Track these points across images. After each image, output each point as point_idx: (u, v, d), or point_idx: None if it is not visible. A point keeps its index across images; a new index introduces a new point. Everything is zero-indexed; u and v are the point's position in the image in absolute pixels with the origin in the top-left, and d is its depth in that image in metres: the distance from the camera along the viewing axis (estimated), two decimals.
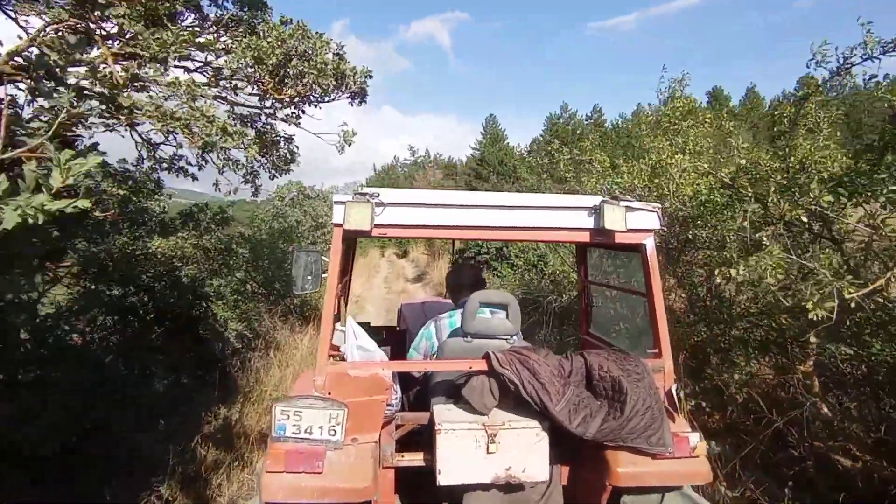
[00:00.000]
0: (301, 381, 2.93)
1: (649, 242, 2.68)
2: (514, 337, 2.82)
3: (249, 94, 5.10)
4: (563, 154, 7.58)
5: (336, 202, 2.46)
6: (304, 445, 2.30)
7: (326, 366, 2.51)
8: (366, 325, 4.25)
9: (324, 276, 2.78)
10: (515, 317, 2.74)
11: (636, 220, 2.61)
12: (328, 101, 5.27)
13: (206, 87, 4.80)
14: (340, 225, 2.43)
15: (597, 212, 2.57)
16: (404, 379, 3.04)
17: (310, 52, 4.81)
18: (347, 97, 5.44)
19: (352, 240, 3.28)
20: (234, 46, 4.53)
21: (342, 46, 5.08)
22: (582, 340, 3.78)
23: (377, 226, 2.44)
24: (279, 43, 4.62)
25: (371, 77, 5.42)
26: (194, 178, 5.85)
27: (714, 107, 59.15)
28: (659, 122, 6.67)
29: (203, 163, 5.61)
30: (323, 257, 2.83)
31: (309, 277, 2.87)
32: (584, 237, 2.68)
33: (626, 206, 2.57)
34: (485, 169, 58.31)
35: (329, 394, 2.43)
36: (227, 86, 4.96)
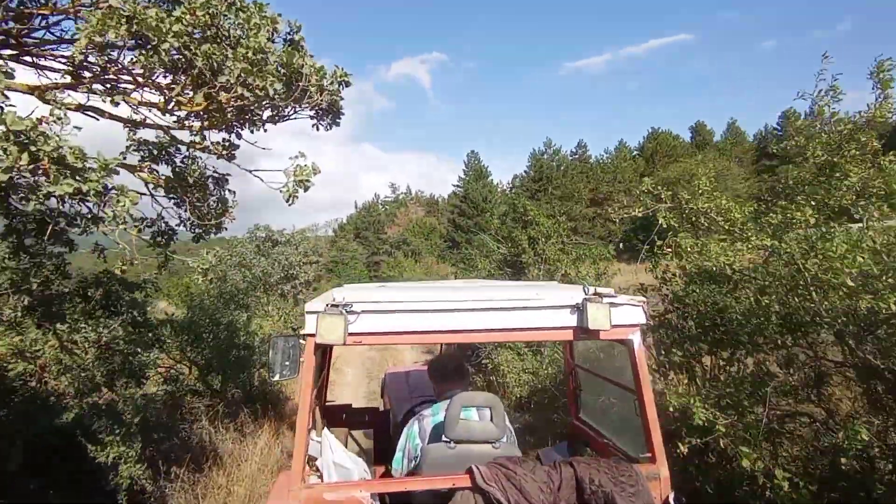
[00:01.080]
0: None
1: (636, 338, 2.55)
2: (502, 440, 2.69)
3: (141, 104, 3.06)
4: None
5: (308, 312, 2.33)
6: None
7: (301, 490, 2.30)
8: (347, 407, 4.35)
9: (302, 360, 2.68)
10: (500, 419, 2.63)
11: (621, 316, 2.49)
12: (275, 121, 3.26)
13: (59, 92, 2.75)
14: (312, 335, 2.30)
15: (580, 310, 2.44)
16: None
17: (241, 33, 2.81)
18: (310, 114, 3.43)
19: (326, 346, 2.97)
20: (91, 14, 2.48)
21: (299, 29, 3.11)
22: (570, 426, 3.68)
23: (351, 334, 2.31)
24: (184, 14, 2.61)
25: (348, 85, 3.42)
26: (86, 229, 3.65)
27: (696, 141, 59.31)
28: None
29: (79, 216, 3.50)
30: (301, 341, 2.65)
31: (287, 363, 2.72)
32: (568, 335, 2.53)
33: (610, 303, 2.44)
34: (468, 206, 57.08)
35: None
36: (100, 90, 2.90)
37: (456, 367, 3.13)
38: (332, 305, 2.28)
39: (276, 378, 2.76)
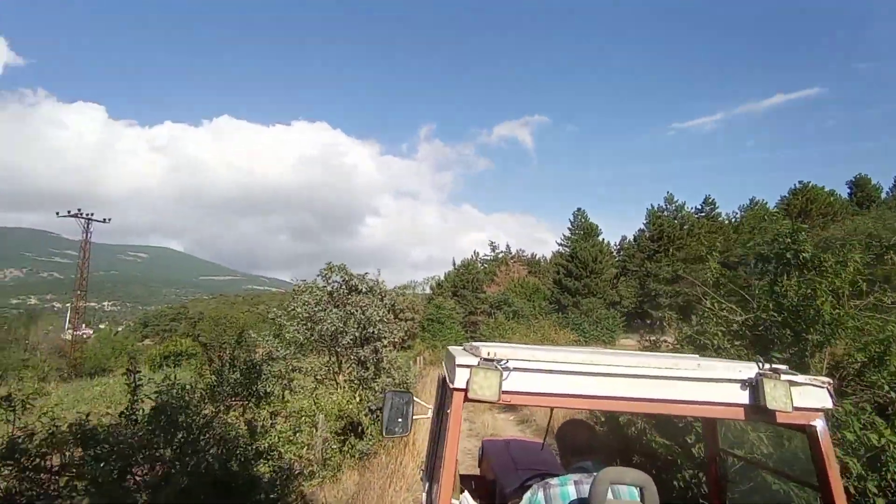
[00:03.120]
0: None
1: (819, 424, 2.20)
2: None
3: None
4: None
5: (459, 366, 2.23)
6: None
7: None
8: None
9: (415, 418, 2.86)
10: (653, 502, 2.25)
11: (803, 398, 2.16)
12: None
13: None
14: (463, 391, 2.20)
15: (753, 386, 2.15)
16: None
17: None
18: None
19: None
20: None
21: None
22: None
23: (504, 392, 2.18)
24: None
25: None
26: None
27: (858, 198, 50.13)
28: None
29: None
30: (416, 399, 2.85)
31: (399, 420, 2.82)
32: (739, 414, 2.24)
33: (790, 381, 2.13)
34: (576, 266, 52.18)
35: None
36: None
37: (589, 436, 2.89)
38: (487, 360, 2.21)
39: (387, 434, 2.98)
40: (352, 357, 10.84)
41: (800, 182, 49.80)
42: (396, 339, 11.67)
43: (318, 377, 10.79)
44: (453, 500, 2.61)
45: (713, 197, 54.29)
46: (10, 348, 40.10)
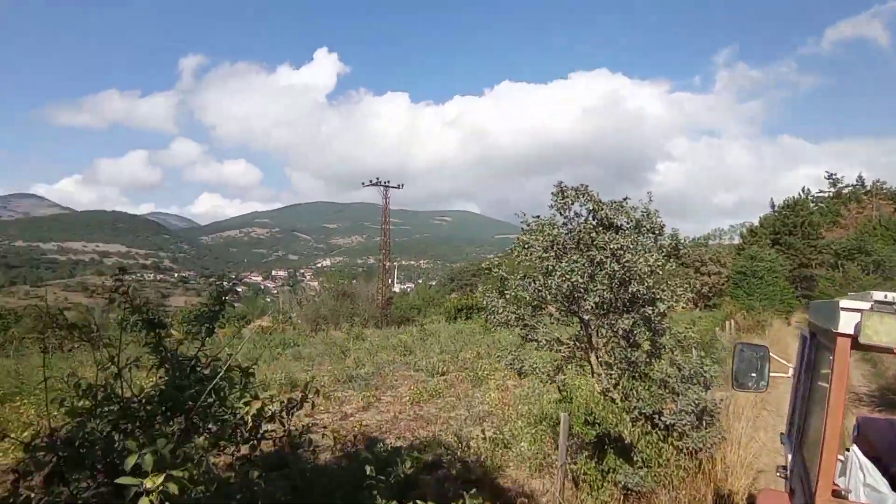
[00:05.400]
0: None
1: None
2: None
3: None
4: None
5: (845, 309, 2.12)
6: None
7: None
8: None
9: (772, 375, 2.80)
10: None
11: None
12: None
13: None
14: (850, 336, 2.13)
15: None
16: None
17: None
18: None
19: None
20: None
21: None
22: None
23: None
24: None
25: None
26: None
27: None
28: None
29: None
30: (772, 354, 2.82)
31: (754, 375, 2.78)
32: None
33: None
34: None
35: None
36: None
37: None
38: (883, 302, 2.06)
39: (738, 388, 2.95)
40: (609, 328, 6.78)
41: None
42: (684, 300, 7.01)
43: (561, 352, 7.20)
44: (839, 458, 2.49)
45: None
46: (350, 301, 48.33)
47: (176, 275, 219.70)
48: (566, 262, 6.33)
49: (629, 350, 7.06)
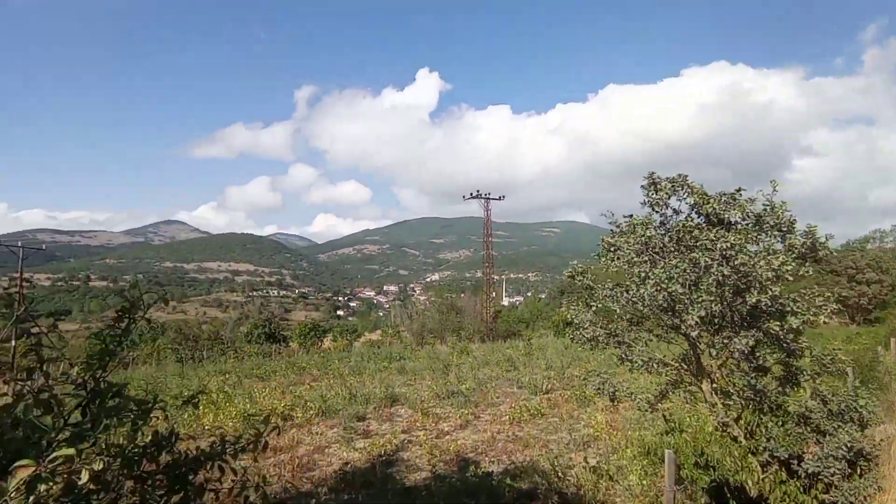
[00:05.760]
0: None
1: None
2: None
3: None
4: None
5: None
6: None
7: None
8: None
9: None
10: None
11: None
12: None
13: None
14: None
15: None
16: None
17: None
18: None
19: None
20: None
21: None
22: None
23: None
24: None
25: None
26: None
27: None
28: None
29: None
30: None
31: None
32: None
33: None
34: None
35: None
36: None
37: None
38: None
39: None
40: (724, 346, 5.51)
41: None
42: (826, 314, 5.51)
43: (665, 375, 6.00)
44: None
45: None
46: (455, 314, 48.59)
47: (297, 291, 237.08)
48: (661, 267, 5.25)
49: (754, 376, 5.72)
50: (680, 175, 5.85)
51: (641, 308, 5.58)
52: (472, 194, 47.85)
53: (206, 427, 12.31)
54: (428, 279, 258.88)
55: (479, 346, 34.88)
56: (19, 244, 37.12)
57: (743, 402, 5.65)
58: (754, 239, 5.54)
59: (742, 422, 5.48)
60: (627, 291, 5.57)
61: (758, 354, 5.54)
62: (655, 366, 5.96)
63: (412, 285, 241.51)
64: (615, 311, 5.93)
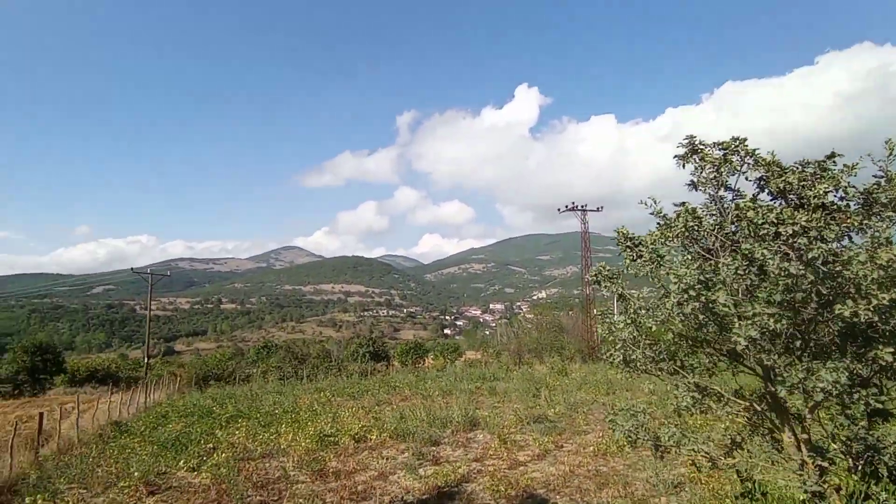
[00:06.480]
0: None
1: None
2: None
3: None
4: None
5: None
6: None
7: None
8: None
9: None
10: None
11: None
12: None
13: None
14: None
15: None
16: None
17: None
18: None
19: None
20: None
21: None
22: None
23: None
24: None
25: None
26: None
27: None
28: None
29: None
30: None
31: None
32: None
33: None
34: None
35: None
36: None
37: None
38: None
39: None
40: (802, 383, 4.05)
41: None
42: None
43: (735, 415, 4.75)
44: None
45: None
46: (556, 333, 46.72)
47: (405, 310, 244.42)
48: (694, 266, 4.06)
49: (860, 423, 4.23)
50: (735, 138, 4.52)
51: (677, 323, 4.33)
52: (567, 206, 46.03)
53: (283, 446, 12.52)
54: (534, 297, 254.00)
55: (579, 367, 33.05)
56: (168, 273, 42.08)
57: (849, 460, 4.19)
58: (857, 225, 4.21)
59: (844, 492, 4.02)
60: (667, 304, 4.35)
61: (856, 395, 4.10)
62: (708, 401, 4.61)
63: (518, 303, 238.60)
64: (649, 327, 4.74)
